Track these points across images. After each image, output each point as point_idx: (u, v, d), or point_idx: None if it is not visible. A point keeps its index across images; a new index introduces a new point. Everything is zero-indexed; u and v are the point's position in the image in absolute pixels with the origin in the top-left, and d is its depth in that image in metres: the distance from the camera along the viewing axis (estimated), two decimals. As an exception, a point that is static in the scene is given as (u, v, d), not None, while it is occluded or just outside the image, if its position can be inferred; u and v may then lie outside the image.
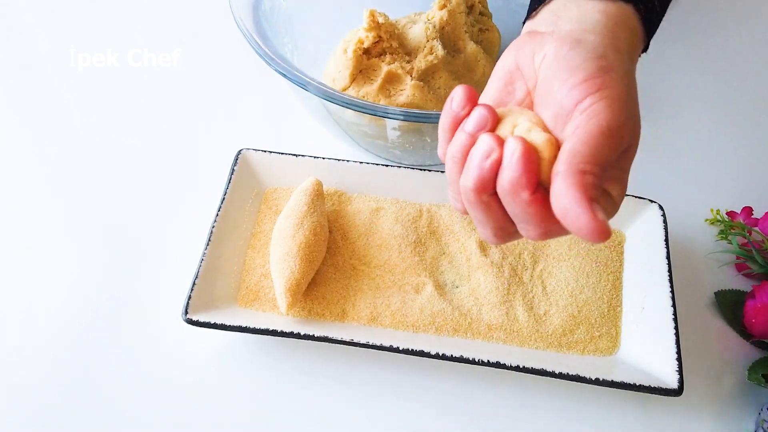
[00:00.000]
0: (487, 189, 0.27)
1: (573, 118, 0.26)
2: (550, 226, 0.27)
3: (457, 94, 0.28)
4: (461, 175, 0.28)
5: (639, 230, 0.48)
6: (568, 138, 0.26)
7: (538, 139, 0.26)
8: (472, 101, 0.28)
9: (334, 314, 0.44)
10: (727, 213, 0.51)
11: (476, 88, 0.29)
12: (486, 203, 0.28)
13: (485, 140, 0.27)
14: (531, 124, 0.27)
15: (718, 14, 0.70)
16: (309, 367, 0.44)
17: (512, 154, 0.26)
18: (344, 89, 0.51)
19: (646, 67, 0.65)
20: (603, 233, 0.24)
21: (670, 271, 0.44)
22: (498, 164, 0.26)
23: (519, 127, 0.27)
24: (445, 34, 0.53)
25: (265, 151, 0.51)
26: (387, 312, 0.44)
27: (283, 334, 0.41)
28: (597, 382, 0.39)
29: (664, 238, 0.46)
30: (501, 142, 0.26)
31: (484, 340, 0.43)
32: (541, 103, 0.29)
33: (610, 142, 0.26)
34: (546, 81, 0.29)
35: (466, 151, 0.28)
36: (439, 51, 0.51)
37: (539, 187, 0.26)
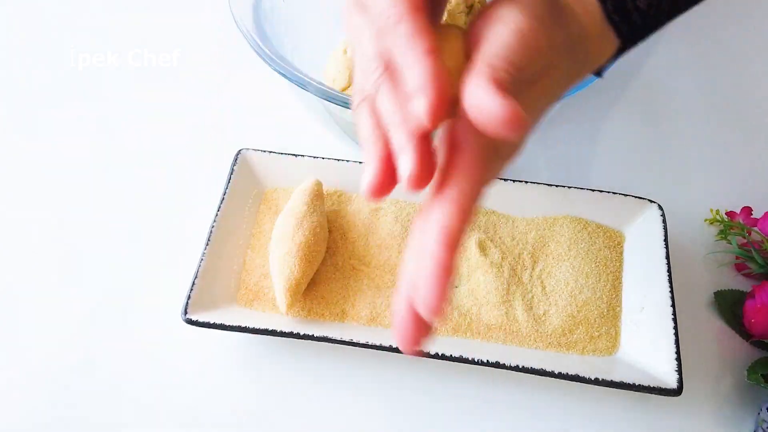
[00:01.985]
0: None
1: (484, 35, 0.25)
2: None
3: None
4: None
5: (638, 230, 0.48)
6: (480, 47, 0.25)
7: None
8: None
9: (333, 314, 0.44)
10: (727, 213, 0.51)
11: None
12: None
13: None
14: None
15: (719, 14, 0.70)
16: (309, 367, 0.44)
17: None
18: (344, 89, 0.51)
19: (646, 66, 0.66)
20: (516, 118, 0.22)
21: (669, 271, 0.44)
22: None
23: None
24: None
25: (265, 151, 0.51)
26: (387, 312, 0.44)
27: (282, 334, 0.41)
28: (597, 382, 0.39)
29: (663, 238, 0.46)
30: None
31: (483, 340, 0.43)
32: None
33: (523, 44, 0.24)
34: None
35: None
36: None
37: None
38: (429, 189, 0.25)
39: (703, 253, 0.50)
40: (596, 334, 0.43)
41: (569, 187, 0.49)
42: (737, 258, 0.49)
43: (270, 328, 0.41)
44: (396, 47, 0.24)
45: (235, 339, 0.45)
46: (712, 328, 0.46)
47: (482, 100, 0.22)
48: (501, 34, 0.25)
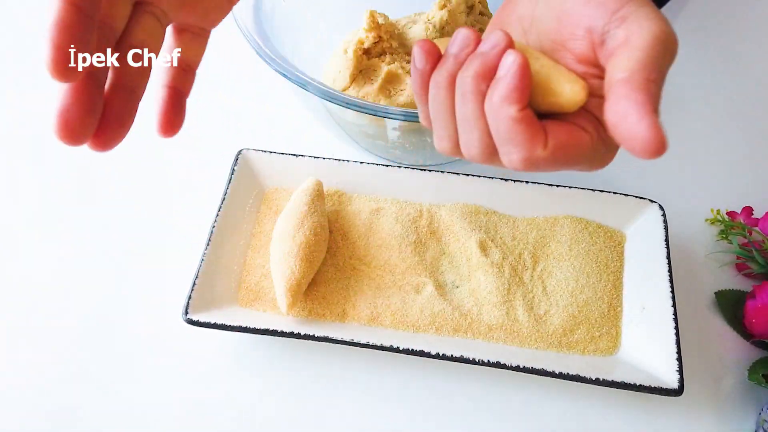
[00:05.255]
0: (488, 77, 0.26)
1: (612, 33, 0.25)
2: (534, 151, 0.26)
3: (423, 45, 0.28)
4: (463, 67, 0.27)
5: (639, 230, 0.48)
6: (617, 50, 0.25)
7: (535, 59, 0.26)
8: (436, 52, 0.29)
9: (334, 314, 0.44)
10: (728, 213, 0.51)
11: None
12: (482, 94, 0.27)
13: (497, 33, 0.26)
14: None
15: (719, 14, 0.70)
16: (309, 367, 0.44)
17: (509, 66, 0.25)
18: (344, 89, 0.51)
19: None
20: (662, 145, 0.23)
21: (670, 271, 0.44)
22: (502, 54, 0.26)
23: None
24: (445, 34, 0.53)
25: (265, 151, 0.51)
26: (387, 312, 0.44)
27: (283, 334, 0.41)
28: (597, 382, 0.39)
29: (664, 238, 0.46)
30: (509, 39, 0.26)
31: (484, 340, 0.43)
32: (540, 32, 0.29)
33: (665, 52, 0.24)
34: (549, 11, 0.28)
35: (454, 75, 0.28)
36: (440, 51, 0.51)
37: (528, 106, 0.26)
38: None
39: (703, 253, 0.50)
40: (597, 334, 0.43)
41: (570, 187, 0.49)
42: (738, 258, 0.49)
43: (271, 329, 0.41)
44: None
45: (235, 339, 0.45)
46: (712, 328, 0.46)
47: (628, 114, 0.23)
48: (644, 38, 0.24)
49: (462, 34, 0.28)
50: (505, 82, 0.25)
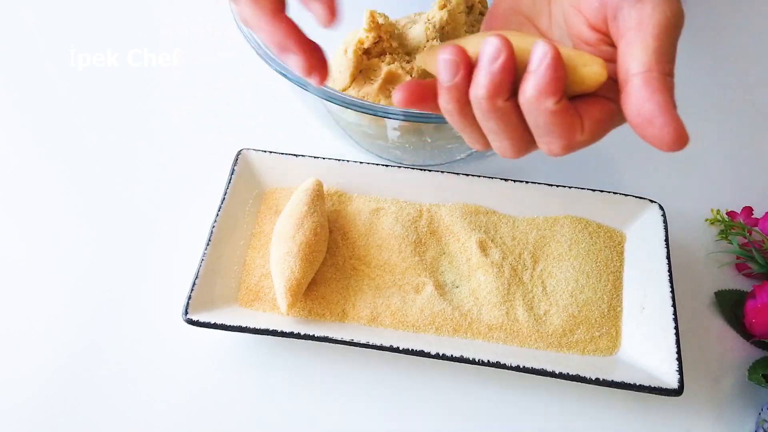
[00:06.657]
0: (501, 93, 0.26)
1: (626, 11, 0.25)
2: (574, 138, 0.26)
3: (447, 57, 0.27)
4: (471, 87, 0.27)
5: (639, 230, 0.48)
6: (630, 33, 0.25)
7: (562, 49, 0.26)
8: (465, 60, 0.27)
9: (334, 314, 0.44)
10: (727, 213, 0.51)
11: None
12: (501, 110, 0.26)
13: (491, 42, 0.25)
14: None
15: (720, 14, 0.70)
16: (309, 367, 0.44)
17: (542, 59, 0.24)
18: (344, 89, 0.51)
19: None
20: (685, 140, 0.24)
21: (670, 271, 0.44)
22: (508, 66, 0.25)
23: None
24: (445, 34, 0.53)
25: (265, 151, 0.51)
26: (387, 312, 0.44)
27: (283, 334, 0.41)
28: (597, 382, 0.39)
29: (664, 238, 0.46)
30: (507, 43, 0.25)
31: (484, 340, 0.43)
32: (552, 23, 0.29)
33: (677, 34, 0.25)
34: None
35: (462, 100, 0.27)
36: (440, 51, 0.51)
37: (563, 96, 0.25)
38: None
39: (703, 253, 0.50)
40: (597, 334, 0.43)
41: (569, 187, 0.49)
42: (738, 258, 0.49)
43: (270, 329, 0.41)
44: None
45: (235, 339, 0.45)
46: (712, 328, 0.46)
47: (655, 117, 0.24)
48: (658, 23, 0.24)
49: (443, 62, 0.26)
50: (539, 75, 0.24)
